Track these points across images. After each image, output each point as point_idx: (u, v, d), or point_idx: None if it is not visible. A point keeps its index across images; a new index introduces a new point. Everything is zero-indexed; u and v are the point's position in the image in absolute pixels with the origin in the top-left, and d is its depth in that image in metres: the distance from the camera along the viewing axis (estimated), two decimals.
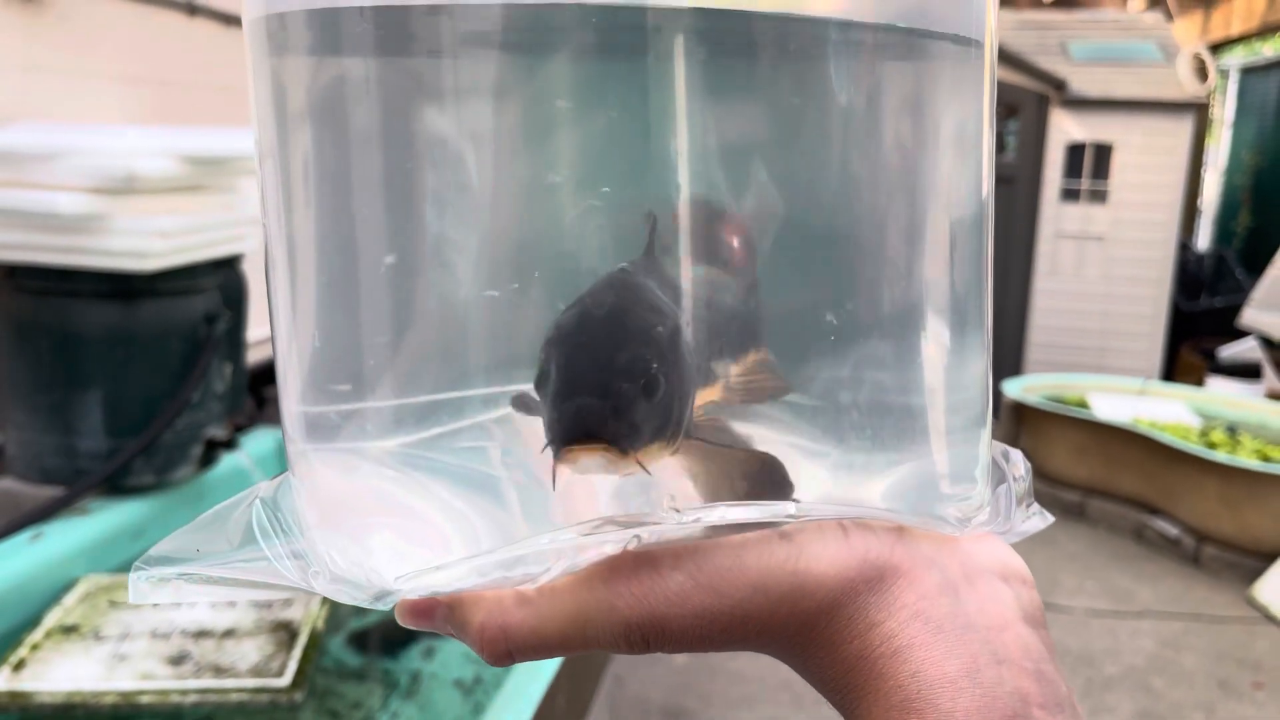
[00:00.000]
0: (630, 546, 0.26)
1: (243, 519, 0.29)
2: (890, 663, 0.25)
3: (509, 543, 0.26)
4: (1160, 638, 2.92)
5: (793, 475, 0.27)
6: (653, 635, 0.25)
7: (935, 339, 0.29)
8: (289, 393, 0.29)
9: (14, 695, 1.21)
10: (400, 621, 0.28)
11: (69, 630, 1.36)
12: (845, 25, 0.27)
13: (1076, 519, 3.85)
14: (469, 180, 0.26)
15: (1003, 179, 4.98)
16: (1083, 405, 4.01)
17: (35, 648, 1.31)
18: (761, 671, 2.64)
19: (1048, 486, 3.98)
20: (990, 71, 0.31)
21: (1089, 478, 3.85)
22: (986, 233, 0.31)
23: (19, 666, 1.27)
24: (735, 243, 0.27)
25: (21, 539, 1.48)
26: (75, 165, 1.50)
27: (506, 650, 0.26)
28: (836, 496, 0.27)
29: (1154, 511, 3.63)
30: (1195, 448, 3.41)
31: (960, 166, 0.30)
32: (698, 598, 0.25)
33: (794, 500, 0.27)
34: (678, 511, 0.26)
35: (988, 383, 0.31)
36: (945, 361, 0.29)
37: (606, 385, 0.25)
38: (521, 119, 0.26)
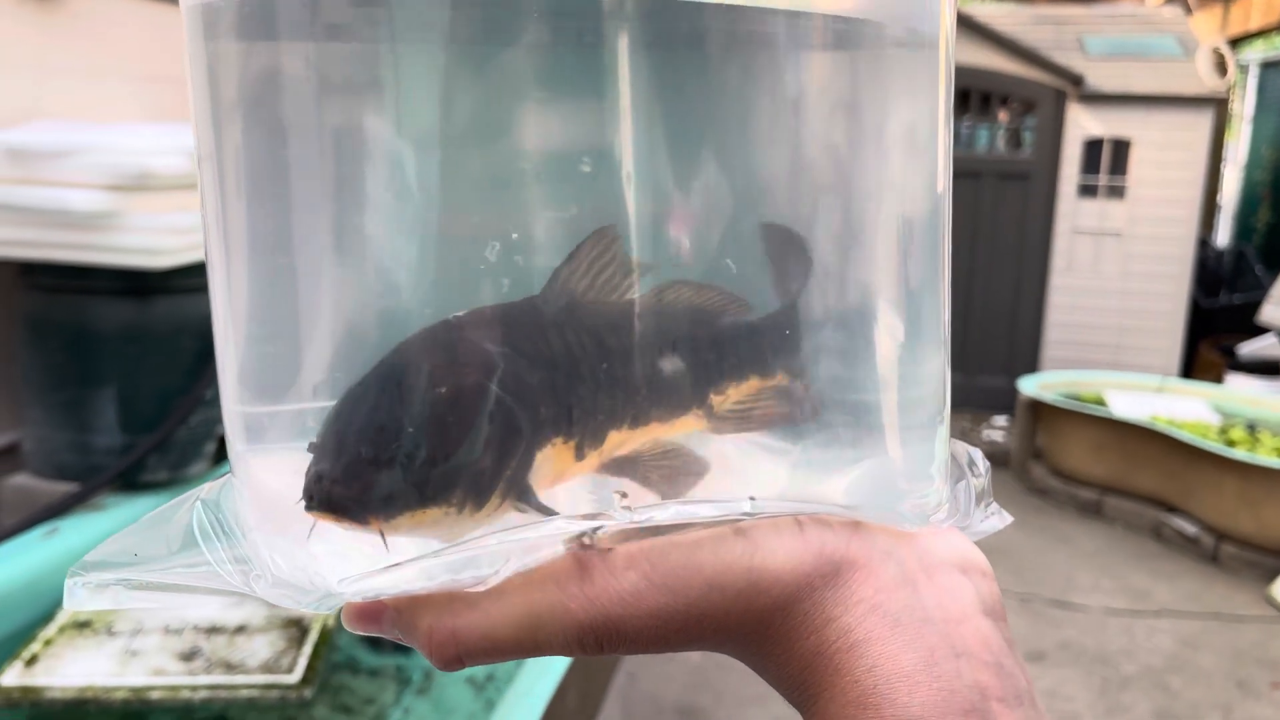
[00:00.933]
0: (582, 543, 0.25)
1: (183, 521, 0.28)
2: (847, 657, 0.25)
3: (456, 544, 0.25)
4: (1178, 637, 2.89)
5: (751, 473, 0.26)
6: (606, 637, 0.25)
7: (890, 335, 0.28)
8: (227, 392, 0.28)
9: (26, 690, 1.22)
10: (347, 626, 0.27)
11: (82, 626, 1.36)
12: (792, 15, 0.26)
13: (1093, 517, 3.83)
14: (407, 176, 0.25)
15: (1018, 175, 4.95)
16: (1100, 403, 3.98)
17: (48, 643, 1.32)
18: None
19: (1064, 484, 3.96)
20: (946, 65, 0.30)
21: (1106, 475, 3.82)
22: (943, 229, 0.30)
23: (31, 662, 1.27)
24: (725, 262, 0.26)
25: (37, 534, 1.49)
26: (89, 163, 1.50)
27: (456, 654, 0.26)
28: (794, 493, 0.27)
29: (1172, 510, 3.60)
30: (1214, 445, 3.38)
31: (913, 162, 0.29)
32: (652, 597, 0.25)
33: (749, 498, 0.26)
34: (629, 510, 0.25)
35: (945, 379, 0.31)
36: (901, 358, 0.29)
37: (345, 451, 0.24)
38: (465, 111, 0.25)
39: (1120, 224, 4.84)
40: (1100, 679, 2.66)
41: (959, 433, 4.85)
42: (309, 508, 0.25)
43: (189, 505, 0.29)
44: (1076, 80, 4.72)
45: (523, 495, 0.25)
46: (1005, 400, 4.94)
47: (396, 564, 0.25)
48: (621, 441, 0.25)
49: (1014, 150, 5.04)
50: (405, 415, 0.24)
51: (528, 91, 0.25)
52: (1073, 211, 4.87)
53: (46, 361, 1.64)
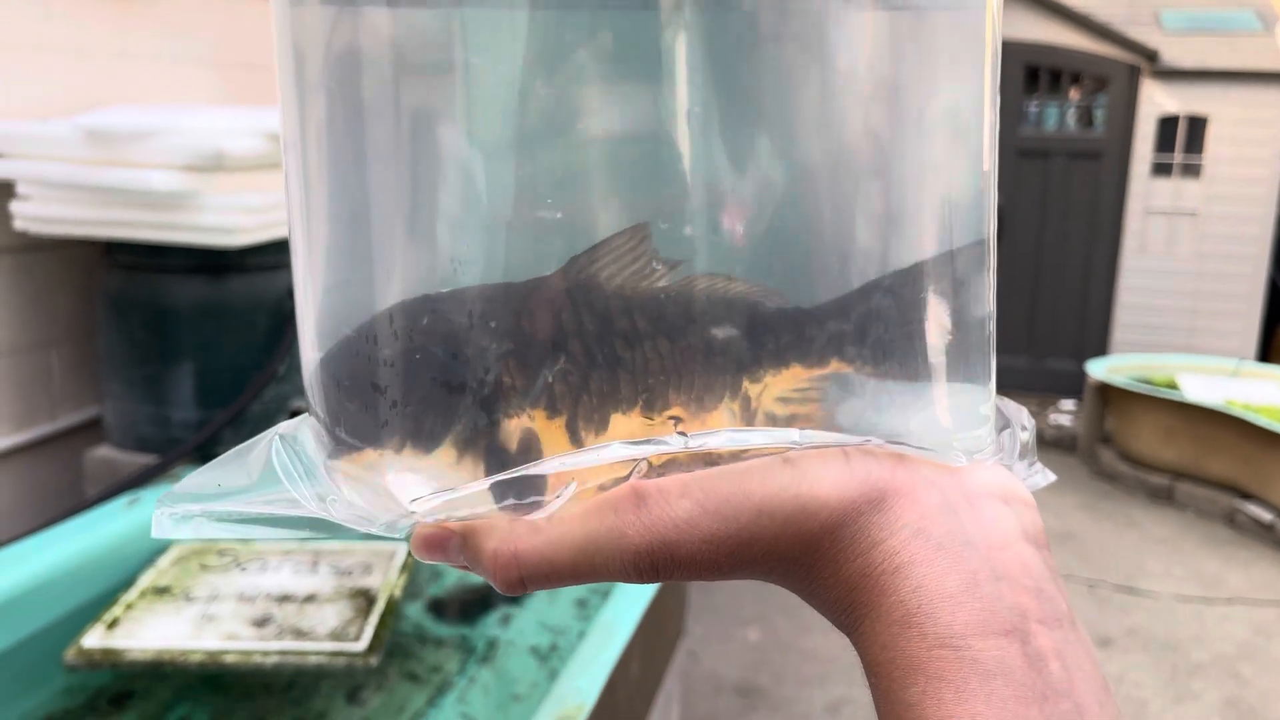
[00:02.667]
0: (639, 470, 0.26)
1: (262, 456, 0.29)
2: (892, 579, 0.26)
3: (520, 469, 0.26)
4: (1251, 625, 2.83)
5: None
6: (662, 561, 0.26)
7: (940, 285, 0.29)
8: (305, 338, 0.29)
9: (107, 652, 1.27)
10: (415, 554, 0.29)
11: (161, 591, 1.41)
12: None
13: (1164, 503, 3.75)
14: (476, 157, 0.25)
15: (1089, 154, 4.85)
16: (1171, 386, 3.89)
17: (129, 607, 1.37)
18: (834, 651, 2.64)
19: (1133, 469, 3.88)
20: (993, 36, 0.30)
21: (1177, 460, 3.74)
22: (990, 182, 0.30)
23: (113, 625, 1.32)
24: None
25: (119, 504, 1.55)
26: (168, 144, 1.55)
27: (519, 577, 0.27)
28: (841, 427, 0.28)
29: (1246, 496, 3.52)
30: None
31: (959, 119, 0.30)
32: (705, 524, 0.26)
33: (798, 428, 0.27)
34: (684, 435, 0.26)
35: (992, 331, 0.31)
36: (950, 305, 0.29)
37: (312, 399, 0.27)
38: (538, 89, 0.25)
39: (1195, 203, 4.71)
40: (1170, 666, 2.61)
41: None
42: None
43: (268, 441, 0.30)
44: (1151, 56, 4.60)
45: (490, 453, 0.26)
46: (1073, 384, 4.85)
47: (460, 488, 0.27)
48: (635, 430, 0.26)
49: (1085, 129, 4.93)
50: (352, 365, 0.26)
51: (592, 68, 0.25)
52: (1146, 191, 4.76)
53: (127, 338, 1.70)
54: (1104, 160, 4.82)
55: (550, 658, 1.36)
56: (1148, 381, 3.95)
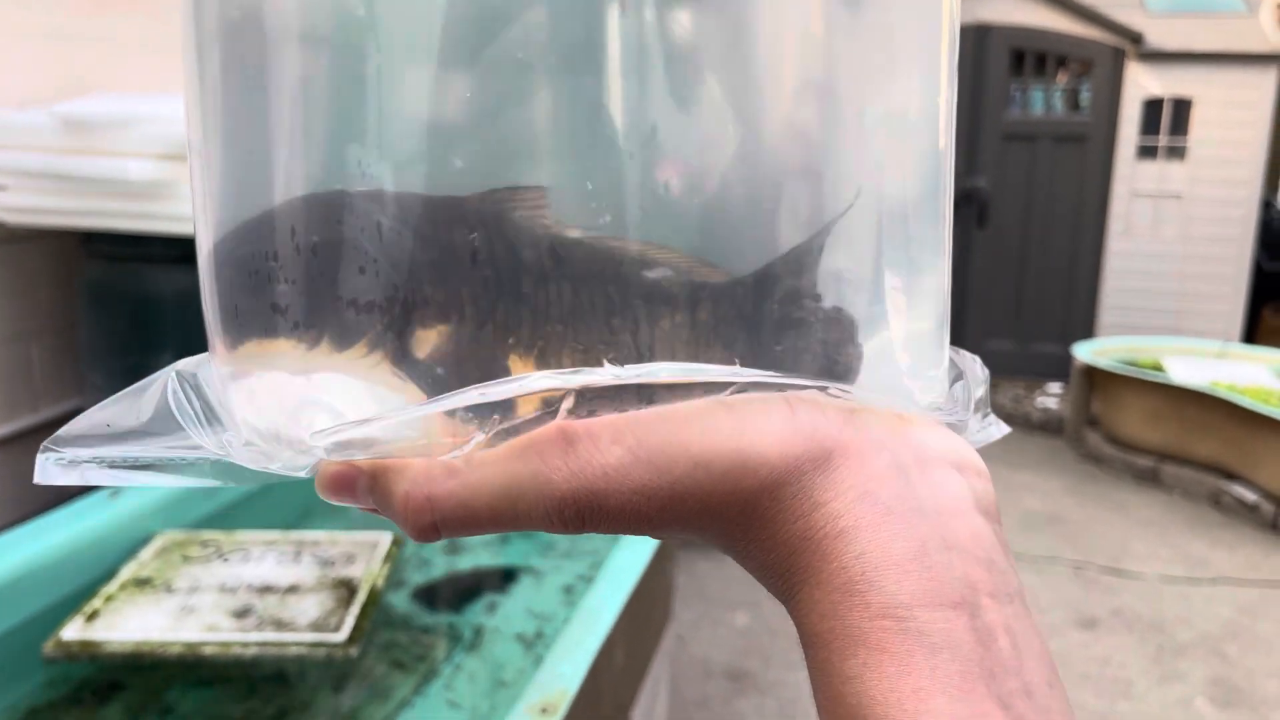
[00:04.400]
0: (568, 403, 0.25)
1: (157, 395, 0.27)
2: (835, 543, 0.24)
3: (430, 402, 0.24)
4: (1236, 604, 2.85)
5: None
6: (588, 510, 0.24)
7: (895, 230, 0.27)
8: (204, 268, 0.27)
9: (85, 644, 1.26)
10: (321, 494, 0.26)
11: (142, 583, 1.41)
12: None
13: (1150, 485, 3.77)
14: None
15: (1075, 137, 4.85)
16: (1157, 369, 3.91)
17: (109, 599, 1.36)
18: None
19: (1120, 452, 3.90)
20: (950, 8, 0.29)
21: (1163, 443, 3.76)
22: (946, 135, 0.29)
23: (92, 617, 1.32)
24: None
25: (101, 496, 1.54)
26: (145, 133, 1.53)
27: (431, 522, 0.25)
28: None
29: (1232, 477, 3.54)
30: (1276, 411, 3.31)
31: (914, 58, 0.28)
32: (637, 473, 0.24)
33: (737, 364, 0.25)
34: (616, 365, 0.24)
35: (947, 283, 0.29)
36: (904, 255, 0.27)
37: (221, 279, 0.26)
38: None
39: (1180, 186, 4.73)
40: (1155, 646, 2.63)
41: (1011, 400, 4.79)
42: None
43: (164, 379, 0.28)
44: (1136, 38, 4.61)
45: (400, 357, 0.24)
46: (1060, 367, 4.87)
47: (368, 419, 0.25)
48: (528, 364, 0.25)
49: (1071, 112, 4.94)
50: (265, 249, 0.24)
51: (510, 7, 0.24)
52: (1131, 174, 4.77)
53: (108, 328, 1.69)
54: (1089, 143, 4.83)
55: (536, 644, 1.36)
56: (1133, 364, 3.96)
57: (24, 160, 1.60)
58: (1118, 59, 4.69)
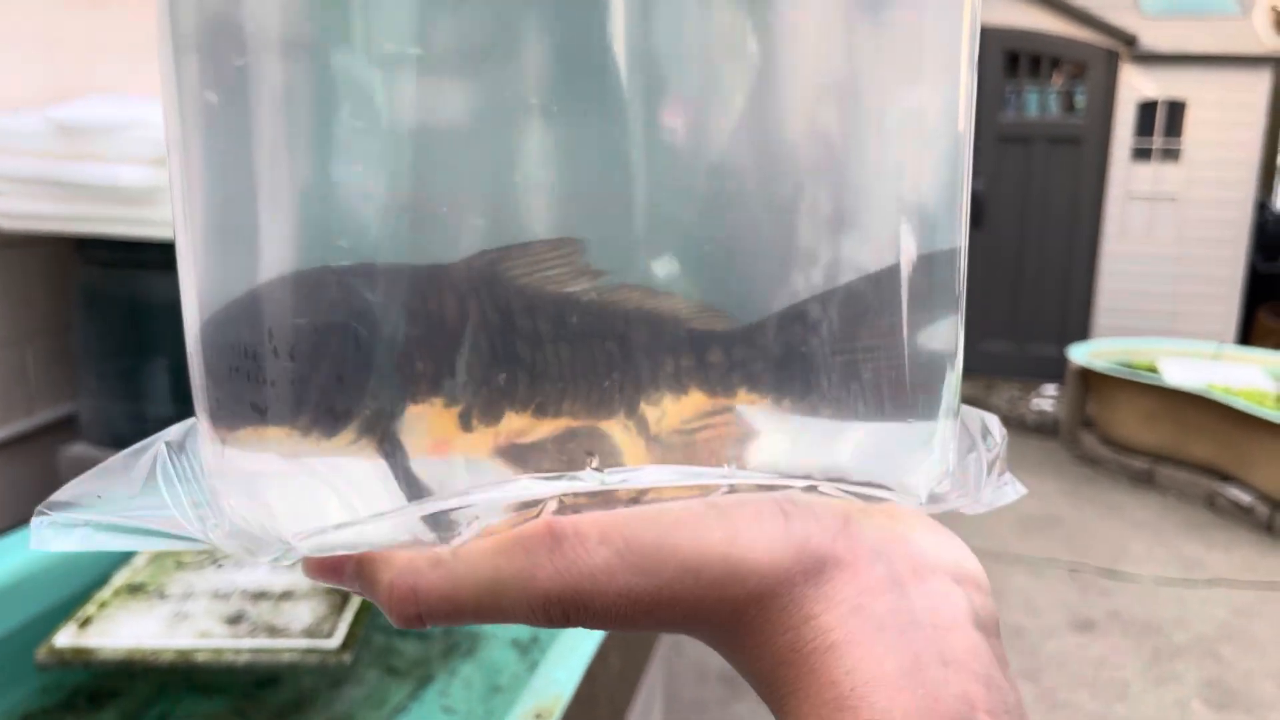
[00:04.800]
0: (551, 508, 0.24)
1: (148, 464, 0.27)
2: (824, 658, 0.23)
3: (412, 504, 0.24)
4: (1231, 606, 2.86)
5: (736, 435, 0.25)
6: (573, 611, 0.24)
7: (889, 303, 0.26)
8: (189, 333, 0.27)
9: (78, 651, 1.26)
10: (307, 576, 0.26)
11: (135, 589, 1.40)
12: None
13: (1145, 486, 3.78)
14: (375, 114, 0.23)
15: (1070, 139, 4.86)
16: (1153, 370, 3.91)
17: (103, 605, 1.36)
18: None
19: (1115, 453, 3.90)
20: (971, 26, 0.28)
21: (1158, 444, 3.77)
22: (963, 169, 0.28)
23: (85, 623, 1.31)
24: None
25: None
26: (137, 138, 1.53)
27: (416, 613, 0.25)
28: (776, 462, 0.25)
29: (1226, 479, 3.54)
30: (1271, 413, 3.32)
31: (935, 96, 0.27)
32: (623, 576, 0.24)
33: (729, 466, 0.24)
34: (599, 471, 0.24)
35: (957, 341, 0.28)
36: (906, 319, 0.26)
37: (209, 362, 0.26)
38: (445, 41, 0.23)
39: (1175, 188, 4.74)
40: (1151, 648, 2.63)
41: (1007, 401, 4.79)
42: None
43: (154, 448, 0.28)
44: (1130, 40, 4.62)
45: (385, 441, 0.24)
46: (1055, 369, 4.88)
47: (347, 523, 0.24)
48: (525, 429, 0.24)
49: (1066, 114, 4.94)
50: (252, 336, 0.24)
51: (512, 34, 0.23)
52: (1126, 176, 4.78)
53: (101, 334, 1.69)
54: (1084, 145, 4.84)
55: (531, 650, 1.36)
56: (1129, 366, 3.97)
57: (17, 165, 1.60)
58: (1112, 61, 4.70)
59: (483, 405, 0.23)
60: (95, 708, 1.29)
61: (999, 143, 4.94)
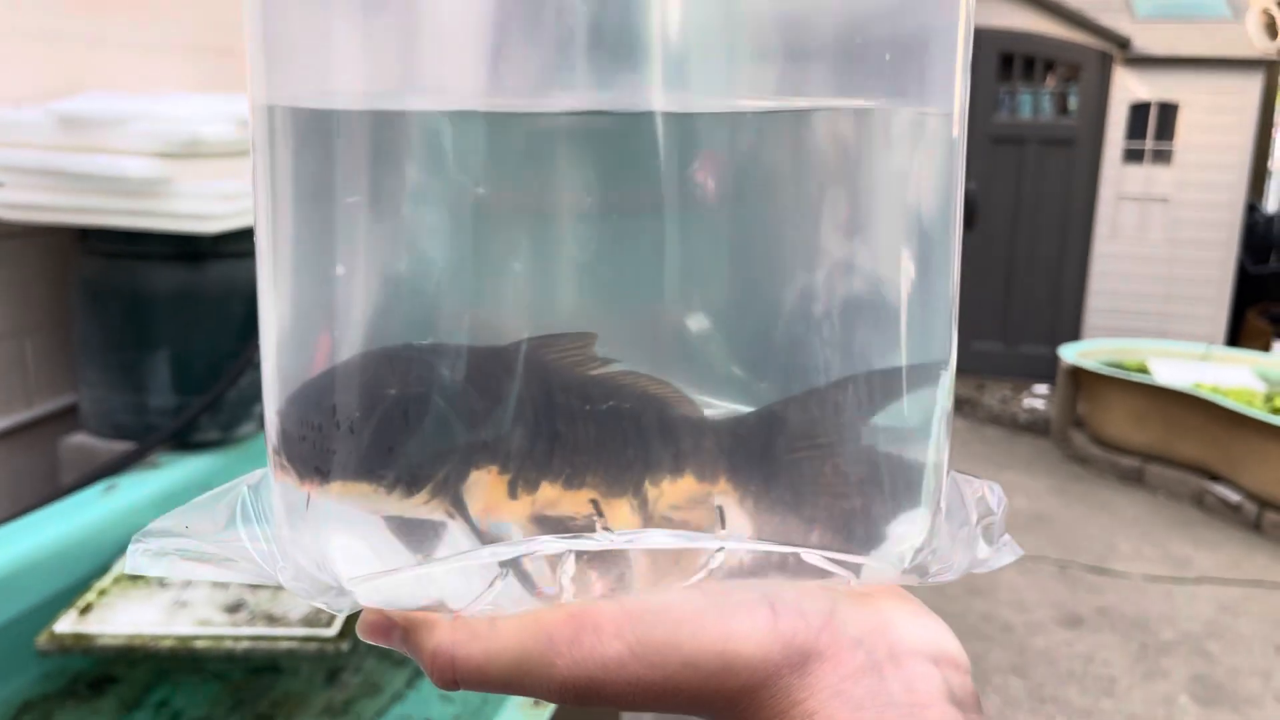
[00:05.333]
0: (568, 568, 0.28)
1: (232, 504, 0.31)
2: None
3: (453, 556, 0.28)
4: (1218, 603, 2.88)
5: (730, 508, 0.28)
6: (586, 695, 0.27)
7: (872, 404, 0.29)
8: (269, 398, 0.30)
9: (78, 637, 1.27)
10: (361, 637, 0.30)
11: (136, 578, 1.42)
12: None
13: (1134, 485, 3.81)
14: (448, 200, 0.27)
15: (1063, 140, 4.89)
16: (1143, 370, 3.94)
17: (103, 593, 1.37)
18: None
19: (1105, 452, 3.93)
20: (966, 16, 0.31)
21: (1148, 443, 3.79)
22: (954, 232, 0.31)
23: (85, 610, 1.33)
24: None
25: (96, 491, 1.55)
26: (142, 130, 1.54)
27: (454, 679, 0.29)
28: (767, 533, 0.28)
29: (1215, 478, 3.57)
30: (1259, 413, 3.35)
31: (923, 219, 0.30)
32: (633, 667, 0.27)
33: (722, 533, 0.28)
34: (609, 530, 0.27)
35: (942, 416, 0.31)
36: (894, 394, 0.29)
37: (302, 419, 0.29)
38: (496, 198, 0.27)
39: (1167, 189, 4.76)
40: (1139, 644, 2.66)
41: (999, 401, 4.82)
42: (274, 462, 0.29)
43: (237, 490, 0.31)
44: (1123, 43, 4.64)
45: (455, 501, 0.27)
46: (1046, 368, 4.91)
47: (396, 570, 0.28)
48: (556, 499, 0.27)
49: (1059, 115, 4.97)
50: (355, 400, 0.27)
51: (560, 157, 0.27)
52: (1118, 177, 4.81)
53: (103, 325, 1.70)
54: (1076, 147, 4.86)
55: None
56: (1119, 366, 4.00)
57: (20, 157, 1.61)
58: (1105, 63, 4.73)
59: (527, 475, 0.27)
60: (95, 694, 1.31)
61: (992, 144, 4.97)
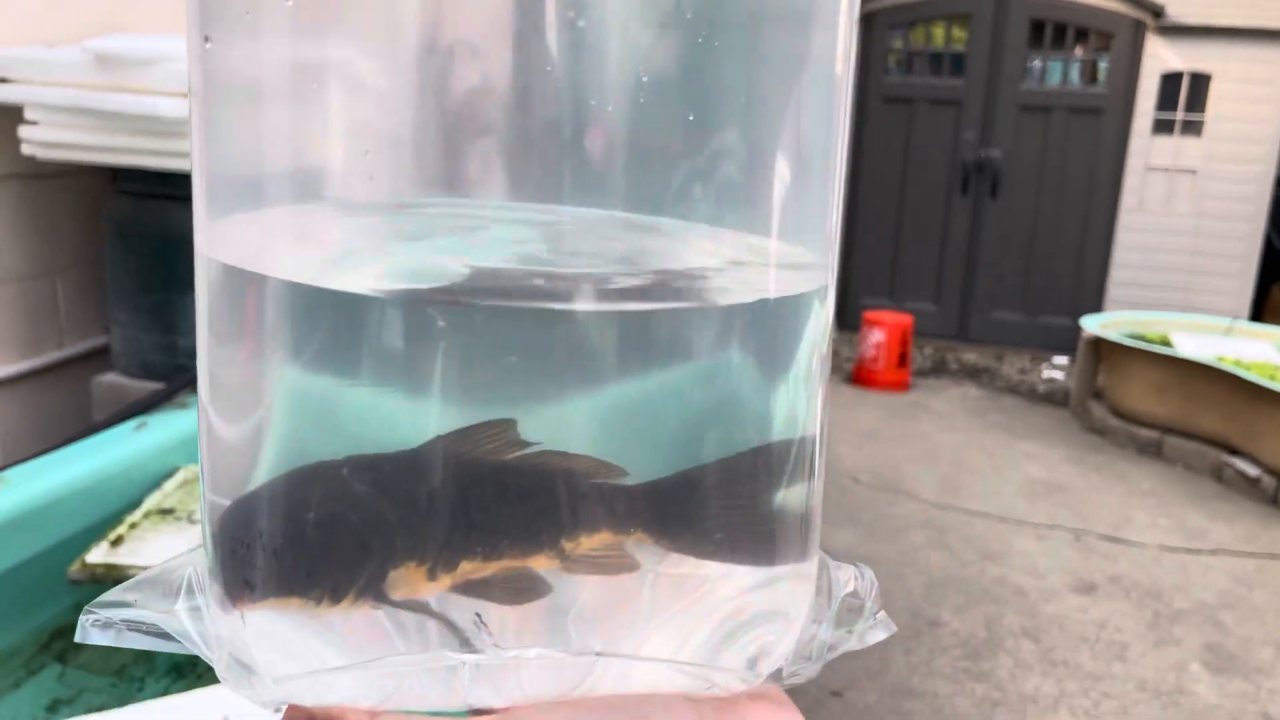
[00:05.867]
0: (463, 675, 0.30)
1: (180, 579, 0.33)
2: None
3: (371, 660, 0.31)
4: (1233, 575, 2.89)
5: (603, 611, 0.31)
6: None
7: (746, 479, 0.32)
8: (211, 522, 0.32)
9: (109, 567, 1.30)
10: None
11: (165, 513, 1.44)
12: None
13: (1153, 457, 3.80)
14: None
15: (1091, 110, 4.84)
16: (1165, 343, 3.93)
17: (133, 526, 1.40)
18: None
19: (1124, 424, 3.93)
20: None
21: (1167, 416, 3.79)
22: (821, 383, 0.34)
23: (116, 543, 1.35)
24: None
25: (127, 428, 1.57)
26: (176, 70, 1.55)
27: None
28: (638, 644, 0.31)
29: (1234, 451, 3.57)
30: None
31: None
32: None
33: (597, 652, 0.31)
34: (499, 649, 0.30)
35: (809, 506, 0.34)
36: (761, 490, 0.32)
37: (232, 545, 0.31)
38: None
39: (1195, 161, 4.72)
40: (1152, 612, 2.67)
41: (1017, 371, 4.81)
42: (210, 571, 0.31)
43: (186, 571, 0.33)
44: (1156, 11, 4.58)
45: (378, 598, 0.30)
46: (1066, 340, 4.89)
47: (313, 671, 0.31)
48: (474, 569, 0.29)
49: (1088, 84, 4.92)
50: (280, 527, 0.30)
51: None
52: (1146, 148, 4.76)
53: (134, 266, 1.71)
54: (1105, 116, 4.82)
55: None
56: (1141, 338, 3.98)
57: (55, 95, 1.62)
58: (1137, 32, 4.67)
59: (444, 560, 0.30)
60: None
61: (1019, 112, 4.92)
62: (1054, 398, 4.50)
